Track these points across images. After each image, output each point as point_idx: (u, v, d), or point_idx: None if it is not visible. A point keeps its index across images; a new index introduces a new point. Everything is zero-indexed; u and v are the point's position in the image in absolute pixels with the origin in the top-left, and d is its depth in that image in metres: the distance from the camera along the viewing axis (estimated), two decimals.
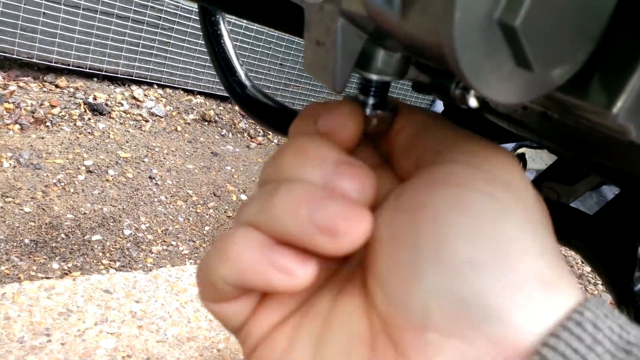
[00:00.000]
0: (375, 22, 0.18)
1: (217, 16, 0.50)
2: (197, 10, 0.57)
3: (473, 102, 0.22)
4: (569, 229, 0.34)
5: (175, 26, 2.25)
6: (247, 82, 0.50)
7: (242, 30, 2.43)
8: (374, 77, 0.22)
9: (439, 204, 0.17)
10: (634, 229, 0.30)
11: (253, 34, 2.47)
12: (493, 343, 0.15)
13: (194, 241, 1.62)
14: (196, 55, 2.35)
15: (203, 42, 0.56)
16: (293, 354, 0.19)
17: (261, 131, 2.53)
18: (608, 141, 0.21)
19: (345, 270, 0.21)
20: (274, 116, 0.49)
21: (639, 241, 0.30)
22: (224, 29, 0.51)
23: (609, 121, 0.16)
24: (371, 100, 0.22)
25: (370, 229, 0.18)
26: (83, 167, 1.70)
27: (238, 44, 2.45)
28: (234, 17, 2.33)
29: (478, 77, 0.15)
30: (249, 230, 0.19)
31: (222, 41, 0.51)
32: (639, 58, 0.15)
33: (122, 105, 2.09)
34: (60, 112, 1.87)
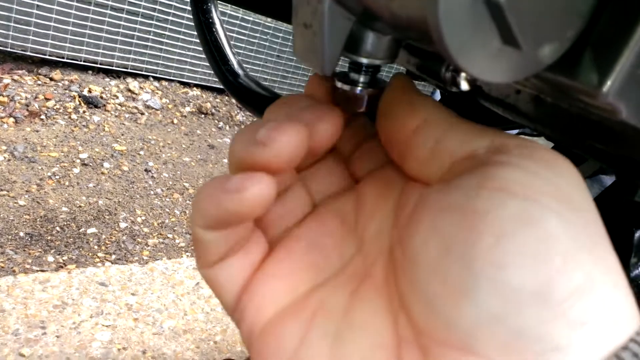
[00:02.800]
0: (362, 2, 0.17)
1: (209, 4, 0.50)
2: None
3: (464, 85, 0.22)
4: None
5: (170, 17, 2.24)
6: (239, 71, 0.50)
7: (238, 22, 2.42)
8: (363, 60, 0.21)
9: (505, 217, 0.15)
10: (631, 215, 0.30)
11: (250, 25, 2.46)
12: None
13: (190, 234, 1.62)
14: (192, 47, 2.33)
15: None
16: (307, 352, 0.18)
17: None
18: (601, 124, 0.21)
19: (361, 265, 0.20)
20: (267, 105, 0.49)
21: (636, 227, 0.30)
22: (216, 17, 0.50)
23: (599, 100, 0.15)
24: (362, 78, 0.22)
25: (303, 142, 0.18)
26: (78, 160, 1.69)
27: (235, 35, 2.44)
28: (229, 8, 2.32)
29: (465, 56, 0.14)
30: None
31: (214, 30, 0.50)
32: (629, 37, 0.14)
33: (117, 97, 2.08)
34: (55, 105, 1.86)
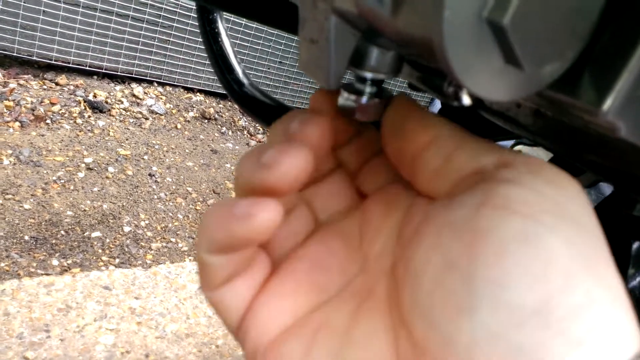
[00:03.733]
0: (367, 20, 0.18)
1: (215, 14, 0.50)
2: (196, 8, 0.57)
3: (466, 100, 0.22)
4: None
5: (174, 24, 2.25)
6: (244, 80, 0.50)
7: (241, 29, 2.43)
8: (368, 75, 0.22)
9: (506, 236, 0.15)
10: (628, 226, 0.30)
11: (253, 32, 2.47)
12: None
13: (193, 238, 1.62)
14: (196, 53, 2.34)
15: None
16: None
17: (261, 129, 2.53)
18: (600, 139, 0.21)
19: (364, 283, 0.20)
20: (271, 114, 0.49)
21: (633, 238, 0.30)
22: (221, 27, 0.51)
23: (598, 119, 0.16)
24: (367, 89, 0.22)
25: (307, 164, 0.18)
26: (83, 165, 1.70)
27: (237, 42, 2.45)
28: (233, 16, 2.33)
29: (468, 74, 0.15)
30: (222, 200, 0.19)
31: (219, 39, 0.51)
32: (628, 56, 0.15)
33: (122, 103, 2.09)
34: (60, 109, 1.87)
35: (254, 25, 2.46)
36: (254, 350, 0.20)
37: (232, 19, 2.38)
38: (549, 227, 0.15)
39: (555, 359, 0.14)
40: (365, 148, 0.24)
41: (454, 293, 0.15)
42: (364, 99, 0.22)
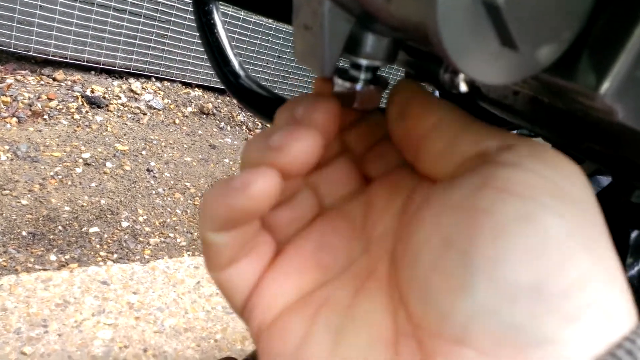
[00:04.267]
0: (361, 5, 0.17)
1: (211, 5, 0.50)
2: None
3: (462, 87, 0.22)
4: None
5: (172, 18, 2.24)
6: (241, 72, 0.50)
7: (240, 23, 2.42)
8: (363, 61, 0.22)
9: (503, 214, 0.15)
10: (626, 215, 0.30)
11: (251, 26, 2.46)
12: None
13: (191, 233, 1.62)
14: (194, 47, 2.34)
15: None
16: (310, 345, 0.19)
17: (260, 124, 2.53)
18: (598, 125, 0.21)
19: (367, 263, 0.21)
20: (268, 106, 0.49)
21: (631, 227, 0.30)
22: (217, 18, 0.50)
23: (596, 102, 0.16)
24: (362, 76, 0.22)
25: (317, 148, 0.18)
26: (81, 160, 1.70)
27: (236, 36, 2.44)
28: (231, 9, 2.32)
29: (463, 57, 0.14)
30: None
31: (215, 30, 0.50)
32: (626, 38, 0.15)
33: (119, 98, 2.09)
34: (58, 105, 1.87)
35: (252, 20, 2.45)
36: (259, 327, 0.20)
37: (230, 12, 2.37)
38: (547, 208, 0.15)
39: (548, 334, 0.14)
40: (371, 132, 0.24)
41: (451, 271, 0.16)
42: (359, 86, 0.22)
